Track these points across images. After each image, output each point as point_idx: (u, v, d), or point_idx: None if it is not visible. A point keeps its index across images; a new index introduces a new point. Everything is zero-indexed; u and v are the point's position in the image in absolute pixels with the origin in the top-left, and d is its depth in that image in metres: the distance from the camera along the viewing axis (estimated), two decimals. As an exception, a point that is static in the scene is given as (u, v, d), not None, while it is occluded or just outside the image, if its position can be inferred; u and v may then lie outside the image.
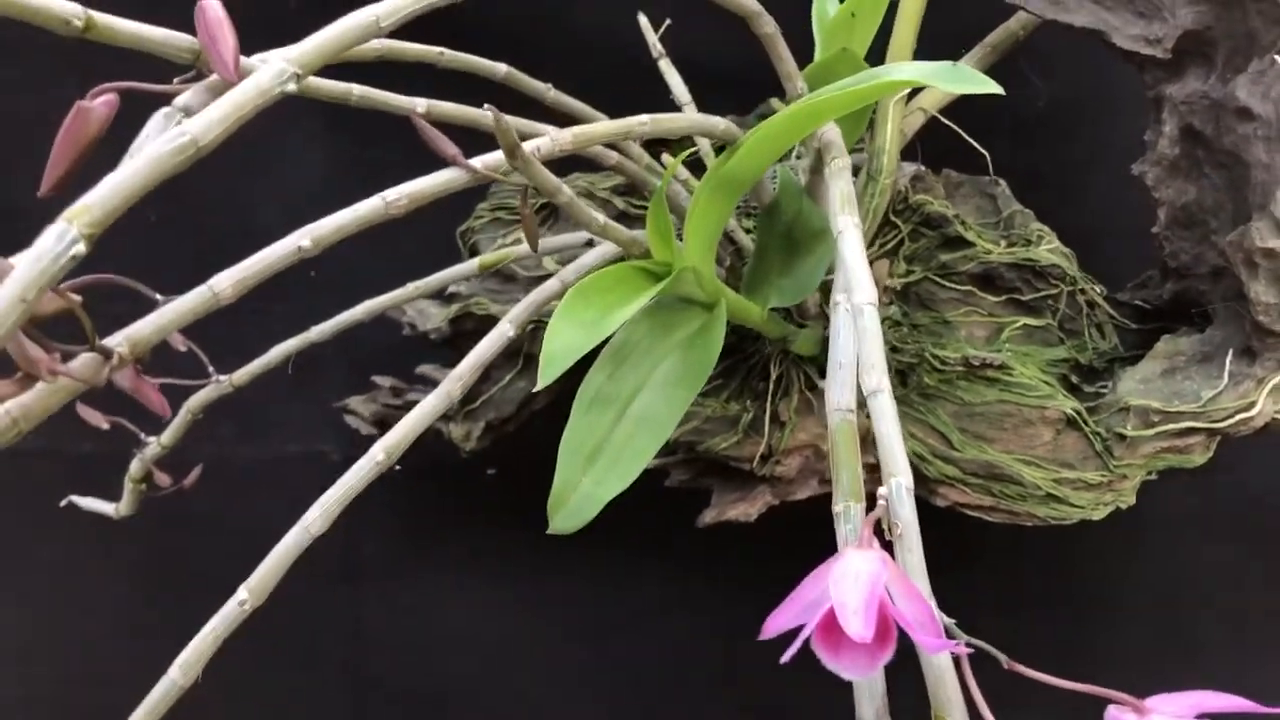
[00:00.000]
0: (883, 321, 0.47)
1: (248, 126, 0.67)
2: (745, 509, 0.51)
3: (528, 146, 0.34)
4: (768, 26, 0.42)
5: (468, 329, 0.59)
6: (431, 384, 0.60)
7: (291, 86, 0.28)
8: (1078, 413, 0.48)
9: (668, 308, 0.41)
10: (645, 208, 0.57)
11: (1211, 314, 0.50)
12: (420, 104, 0.37)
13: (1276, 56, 0.43)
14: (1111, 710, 0.29)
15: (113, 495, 0.60)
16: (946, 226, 0.51)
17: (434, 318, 0.60)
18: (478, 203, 0.61)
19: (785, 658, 0.26)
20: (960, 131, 0.51)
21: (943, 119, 0.50)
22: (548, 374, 0.33)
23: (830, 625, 0.25)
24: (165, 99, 0.34)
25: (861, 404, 0.32)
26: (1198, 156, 0.47)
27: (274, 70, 0.27)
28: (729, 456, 0.50)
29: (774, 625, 0.27)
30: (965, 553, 0.55)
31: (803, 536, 0.55)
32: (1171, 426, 0.47)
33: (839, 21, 0.44)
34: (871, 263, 0.48)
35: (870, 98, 0.38)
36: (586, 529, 0.38)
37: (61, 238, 0.25)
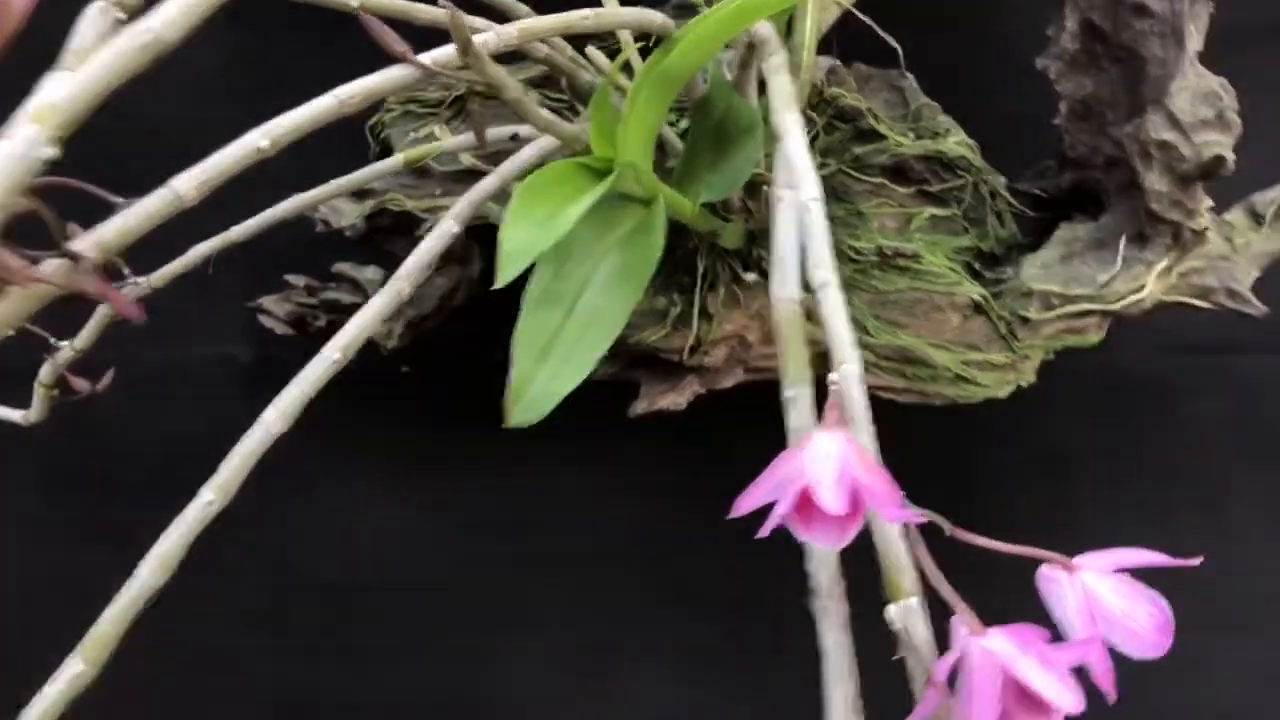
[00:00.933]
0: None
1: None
2: (675, 398, 0.52)
3: (475, 41, 0.34)
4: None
5: (384, 225, 0.58)
6: (348, 281, 0.60)
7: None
8: (984, 298, 0.51)
9: (606, 204, 0.41)
10: (562, 101, 0.58)
11: (1105, 202, 0.53)
12: (355, -1, 0.37)
13: (1174, -45, 0.46)
14: (1043, 570, 0.32)
15: (20, 404, 0.58)
16: (860, 120, 0.53)
17: (348, 214, 0.59)
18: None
19: (764, 532, 0.28)
20: (874, 25, 0.52)
21: (857, 13, 0.51)
22: (506, 273, 0.34)
23: (804, 501, 0.27)
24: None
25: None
26: (1096, 51, 0.50)
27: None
28: (658, 349, 0.52)
29: (745, 504, 0.29)
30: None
31: (724, 425, 0.58)
32: (1070, 309, 0.51)
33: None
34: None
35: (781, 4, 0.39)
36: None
37: (32, 141, 0.25)
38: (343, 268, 0.60)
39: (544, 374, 0.38)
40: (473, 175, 0.56)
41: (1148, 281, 0.50)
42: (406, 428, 0.70)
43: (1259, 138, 0.50)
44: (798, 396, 0.34)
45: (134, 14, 0.30)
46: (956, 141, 0.53)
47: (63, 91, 0.25)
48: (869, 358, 0.52)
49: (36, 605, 0.71)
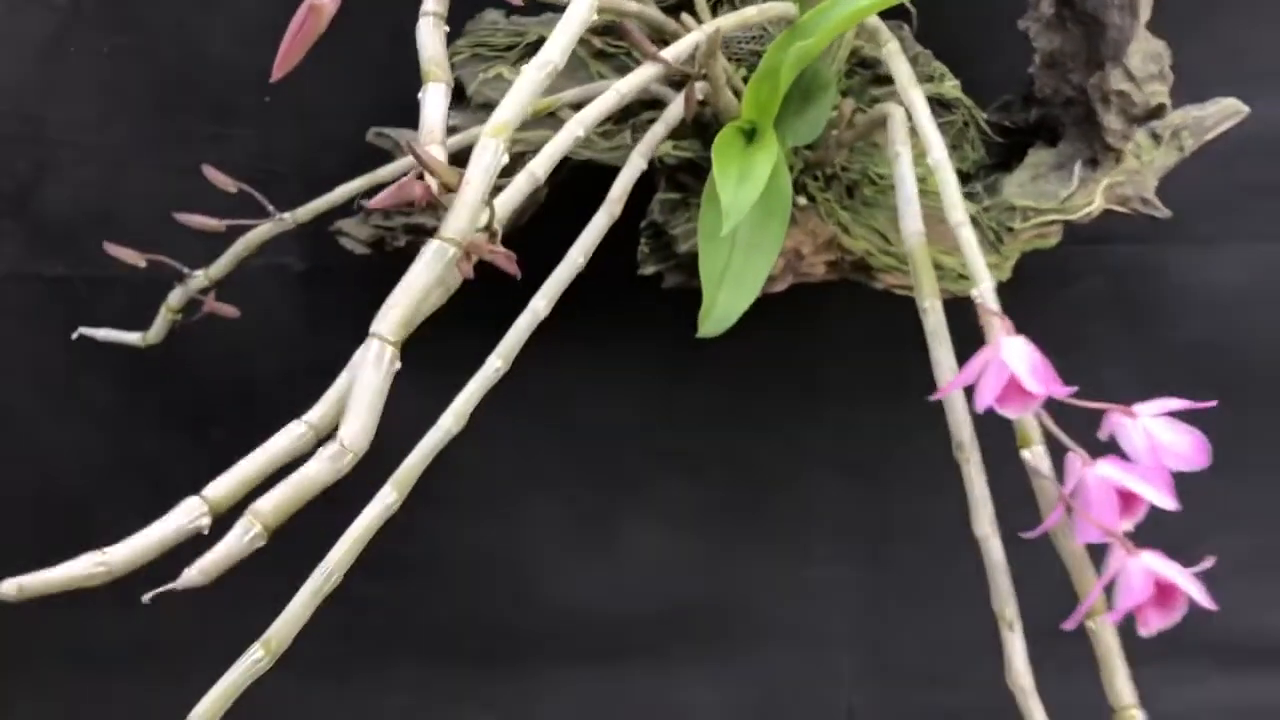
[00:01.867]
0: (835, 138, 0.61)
1: None
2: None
3: (687, 45, 0.44)
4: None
5: (463, 159, 0.66)
6: (431, 205, 0.67)
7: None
8: (978, 212, 0.65)
9: (742, 152, 0.52)
10: (620, 47, 0.67)
11: (1061, 133, 0.67)
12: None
13: (1134, -55, 0.59)
14: (1114, 416, 0.45)
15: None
16: (877, 67, 0.65)
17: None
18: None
19: (980, 407, 0.40)
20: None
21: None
22: (730, 222, 0.44)
23: (1008, 385, 0.40)
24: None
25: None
26: (1065, 15, 0.63)
27: None
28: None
29: (951, 387, 0.41)
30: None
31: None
32: (1041, 220, 0.65)
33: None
34: (837, 103, 0.61)
35: (883, 7, 0.49)
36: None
37: (495, 152, 0.34)
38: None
39: (723, 297, 0.49)
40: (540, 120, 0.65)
41: (1096, 196, 0.65)
42: (465, 333, 0.78)
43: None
44: (932, 306, 0.46)
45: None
46: (952, 85, 0.66)
47: (506, 114, 0.34)
48: (892, 262, 0.65)
49: (116, 491, 0.77)
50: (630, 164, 0.48)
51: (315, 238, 0.67)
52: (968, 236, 0.45)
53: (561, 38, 0.35)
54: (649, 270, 0.65)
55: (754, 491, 0.87)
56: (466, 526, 0.84)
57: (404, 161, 0.59)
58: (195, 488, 0.81)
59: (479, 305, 0.73)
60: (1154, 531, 0.43)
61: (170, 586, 0.27)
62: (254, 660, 0.30)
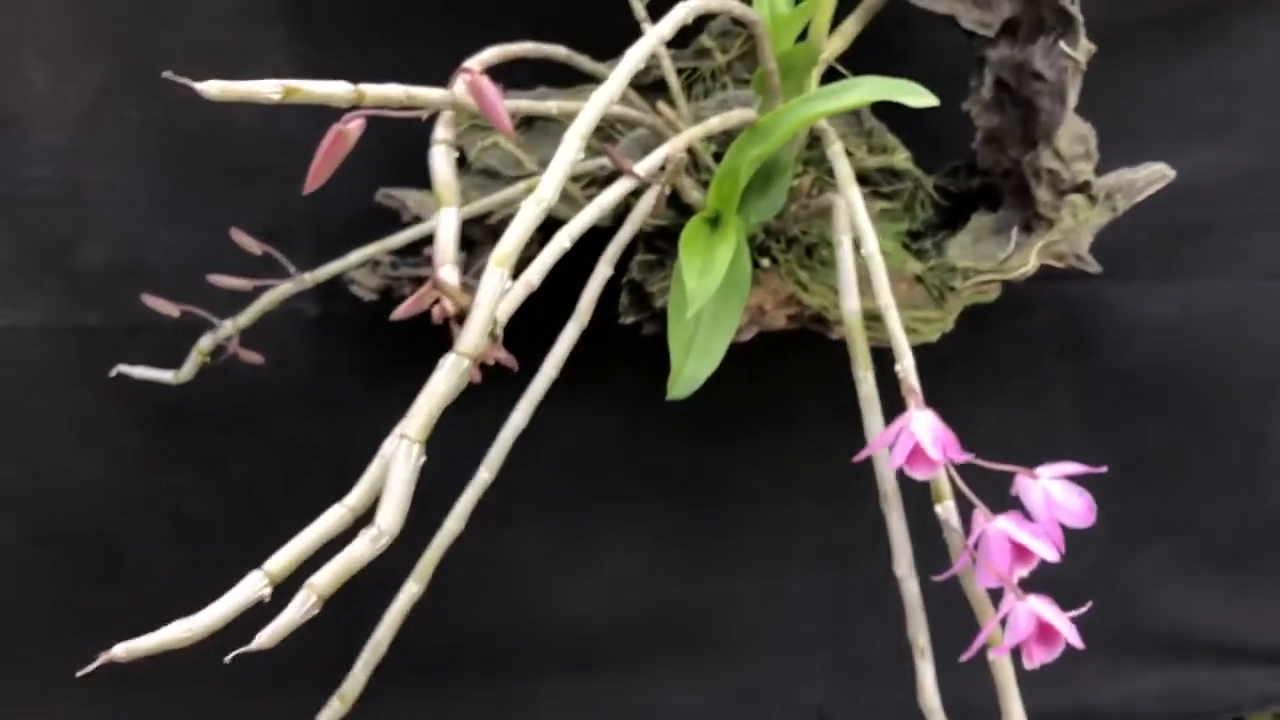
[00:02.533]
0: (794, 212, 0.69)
1: (213, 32, 0.86)
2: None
3: (657, 159, 0.52)
4: (759, 29, 0.60)
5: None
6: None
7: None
8: (923, 272, 0.73)
9: (706, 237, 0.60)
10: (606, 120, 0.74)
11: (1000, 199, 0.75)
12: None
13: (1061, 43, 0.67)
14: (1019, 478, 0.53)
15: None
16: (826, 145, 0.72)
17: (433, 207, 0.74)
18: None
19: (892, 468, 0.49)
20: (845, 72, 0.71)
21: (839, 67, 0.70)
22: (695, 307, 0.52)
23: (914, 452, 0.48)
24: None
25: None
26: (1003, 98, 0.71)
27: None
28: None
29: (872, 449, 0.50)
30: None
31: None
32: (981, 279, 0.73)
33: (794, 15, 0.63)
34: (797, 177, 0.69)
35: (848, 108, 0.57)
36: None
37: (501, 278, 0.41)
38: (430, 250, 0.75)
39: (690, 365, 0.57)
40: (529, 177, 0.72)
41: (1031, 258, 0.73)
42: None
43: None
44: (865, 377, 0.55)
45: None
46: (903, 157, 0.74)
47: (506, 246, 0.42)
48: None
49: (142, 525, 0.85)
50: (597, 274, 0.55)
51: (328, 286, 0.74)
52: (893, 320, 0.53)
53: (554, 177, 0.43)
54: (629, 320, 0.73)
55: (731, 508, 0.95)
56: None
57: (415, 230, 0.67)
58: (215, 521, 0.88)
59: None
60: (1099, 538, 0.50)
61: (246, 649, 0.35)
62: (333, 710, 0.38)
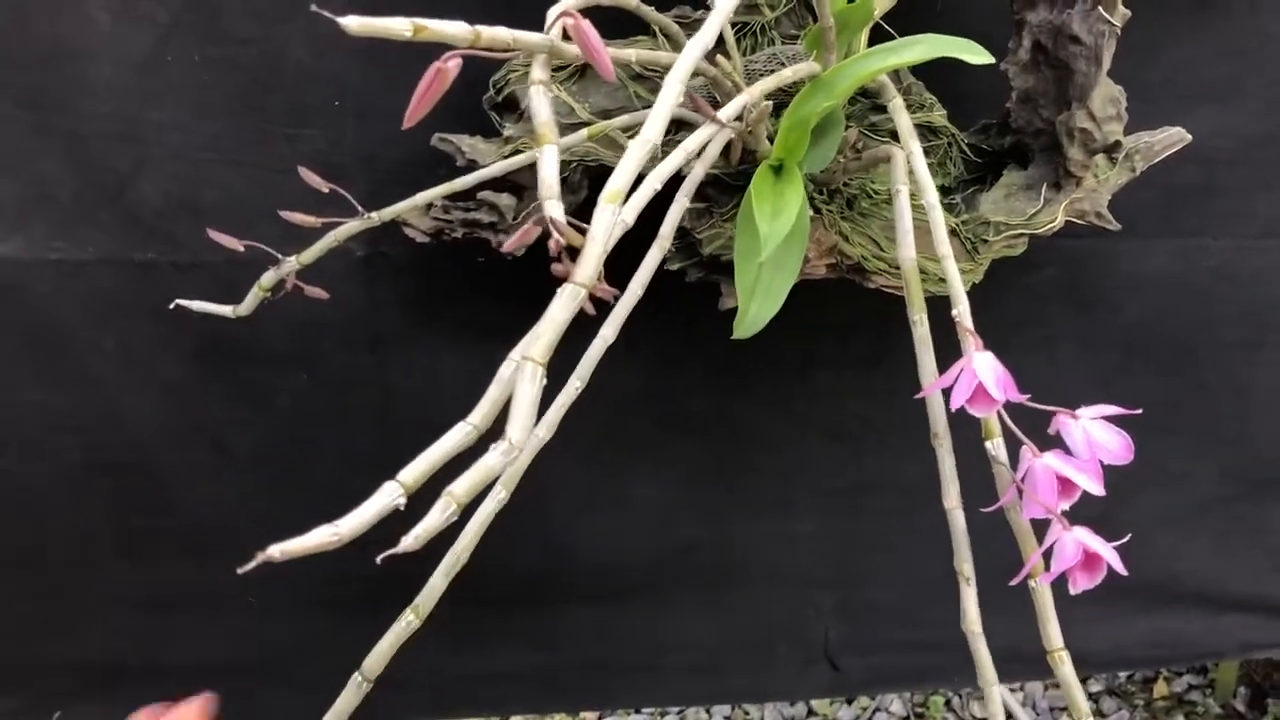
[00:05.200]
0: (842, 164, 0.72)
1: None
2: (752, 296, 0.75)
3: (736, 107, 0.54)
4: (823, -14, 0.62)
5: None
6: (488, 205, 0.77)
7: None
8: (957, 225, 0.76)
9: (770, 184, 0.63)
10: (655, 71, 0.76)
11: (1030, 157, 0.78)
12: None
13: (1099, 8, 0.70)
14: (1060, 417, 0.57)
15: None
16: (877, 97, 0.75)
17: (487, 153, 0.76)
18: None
19: (954, 406, 0.52)
20: (891, 31, 0.73)
21: (885, 25, 0.73)
22: (767, 250, 0.55)
23: (976, 391, 0.52)
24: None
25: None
26: (1039, 60, 0.74)
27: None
28: (744, 261, 0.74)
29: (931, 389, 0.53)
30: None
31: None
32: (1011, 233, 0.76)
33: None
34: (846, 126, 0.72)
35: (911, 63, 0.60)
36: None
37: (614, 213, 0.44)
38: (486, 194, 0.77)
39: (754, 307, 0.60)
40: (581, 127, 0.75)
41: (1059, 214, 0.76)
42: (503, 309, 0.88)
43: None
44: (920, 319, 0.58)
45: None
46: (940, 114, 0.77)
47: (616, 183, 0.44)
48: (884, 267, 0.76)
49: (190, 454, 0.87)
50: (676, 204, 0.58)
51: (377, 228, 0.76)
52: (951, 268, 0.56)
53: (659, 118, 0.46)
54: (675, 267, 0.76)
55: (748, 452, 0.99)
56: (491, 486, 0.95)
57: (477, 174, 0.69)
58: (259, 451, 0.91)
59: (509, 282, 0.82)
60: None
61: (394, 550, 0.38)
62: (407, 623, 0.41)
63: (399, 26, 0.40)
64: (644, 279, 0.54)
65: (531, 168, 0.77)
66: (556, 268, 0.46)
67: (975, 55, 0.58)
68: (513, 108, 0.77)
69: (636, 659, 1.05)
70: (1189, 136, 0.80)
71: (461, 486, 0.38)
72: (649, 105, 0.75)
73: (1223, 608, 1.09)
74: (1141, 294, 0.98)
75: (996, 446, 0.56)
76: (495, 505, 0.52)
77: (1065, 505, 0.55)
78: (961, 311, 0.56)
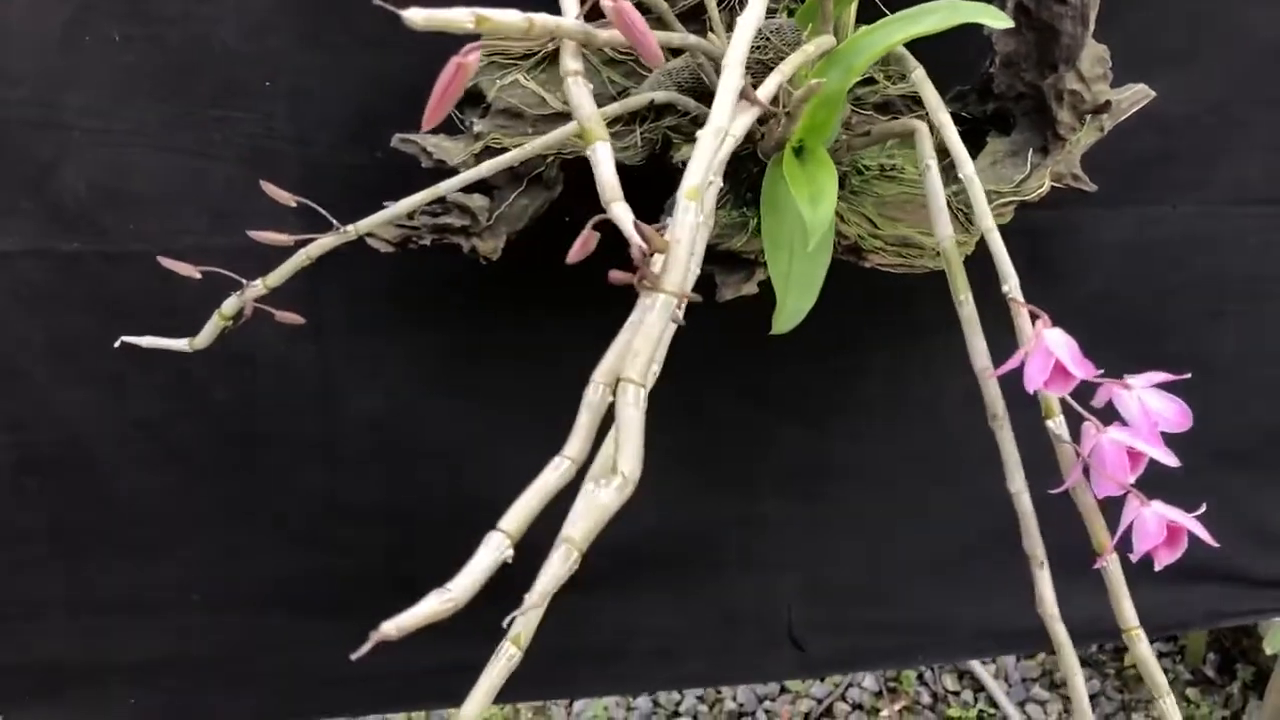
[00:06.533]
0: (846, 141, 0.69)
1: None
2: (749, 286, 0.71)
3: (772, 87, 0.51)
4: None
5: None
6: (458, 207, 0.72)
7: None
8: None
9: (795, 165, 0.59)
10: (628, 54, 0.72)
11: (1013, 123, 0.76)
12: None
13: (1086, -34, 0.68)
14: (1114, 388, 0.55)
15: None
16: (908, 70, 0.72)
17: (455, 153, 0.70)
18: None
19: (1030, 388, 0.49)
20: (879, 3, 0.70)
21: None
22: (815, 238, 0.52)
23: (1055, 368, 0.49)
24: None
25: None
26: (1022, 22, 0.72)
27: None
28: (740, 251, 0.70)
29: (1005, 369, 0.50)
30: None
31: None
32: (1000, 201, 0.75)
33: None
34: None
35: (929, 32, 0.57)
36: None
37: (696, 212, 0.40)
38: (456, 196, 0.71)
39: (790, 299, 0.57)
40: (560, 118, 0.70)
41: (1045, 179, 0.75)
42: (442, 293, 0.84)
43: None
44: (966, 299, 0.55)
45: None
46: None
47: (695, 179, 0.40)
48: (878, 244, 0.73)
49: (124, 450, 0.84)
50: (711, 186, 0.54)
51: (314, 216, 0.70)
52: (996, 240, 0.54)
53: (725, 105, 0.42)
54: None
55: (710, 434, 0.97)
56: (454, 476, 0.91)
57: (461, 176, 0.63)
58: (201, 447, 0.87)
59: (449, 266, 0.77)
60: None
61: (517, 613, 0.33)
62: (509, 656, 0.36)
63: (462, 18, 0.35)
64: (699, 257, 0.50)
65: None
66: (616, 275, 0.41)
67: (995, 19, 0.56)
68: (476, 102, 0.71)
69: (600, 645, 1.02)
70: (1152, 92, 0.80)
71: (578, 529, 0.34)
72: (624, 91, 0.70)
73: (1191, 578, 1.10)
74: (1103, 263, 0.97)
75: (1059, 425, 0.54)
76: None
77: (1133, 479, 0.53)
78: (1012, 287, 0.54)
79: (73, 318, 0.78)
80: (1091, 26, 0.70)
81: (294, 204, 0.61)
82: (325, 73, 0.77)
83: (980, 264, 0.79)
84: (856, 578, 1.08)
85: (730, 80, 0.42)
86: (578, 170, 0.72)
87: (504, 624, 0.34)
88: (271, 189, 0.61)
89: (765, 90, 0.50)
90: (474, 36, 0.42)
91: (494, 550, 0.34)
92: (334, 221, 0.62)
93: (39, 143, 0.73)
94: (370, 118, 0.78)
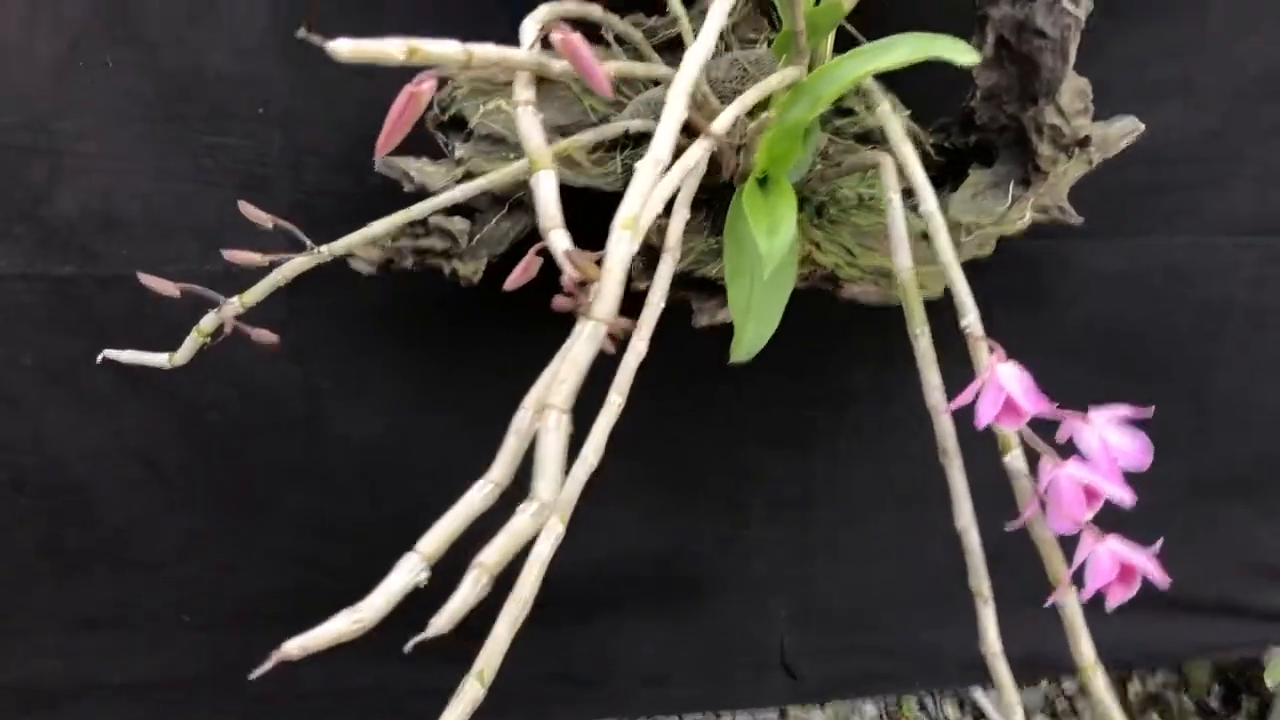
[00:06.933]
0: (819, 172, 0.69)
1: None
2: (726, 312, 0.72)
3: (728, 119, 0.51)
4: (794, -12, 0.59)
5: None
6: (440, 231, 0.73)
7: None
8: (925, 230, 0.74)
9: (754, 196, 0.59)
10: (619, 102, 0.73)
11: (995, 155, 0.76)
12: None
13: (1062, 1, 0.68)
14: (1073, 421, 0.55)
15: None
16: (840, 101, 0.73)
17: (437, 177, 0.71)
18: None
19: (980, 425, 0.49)
20: (856, 34, 0.71)
21: (849, 27, 0.70)
22: (769, 268, 0.52)
23: (1006, 404, 0.49)
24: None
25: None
26: (1003, 56, 0.72)
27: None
28: (717, 278, 0.71)
29: (957, 404, 0.50)
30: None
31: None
32: (981, 233, 0.75)
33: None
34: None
35: (896, 65, 0.57)
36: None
37: (629, 242, 0.40)
38: (438, 220, 0.72)
39: (749, 328, 0.57)
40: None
41: (1027, 211, 0.75)
42: (427, 316, 0.85)
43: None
44: (923, 333, 0.55)
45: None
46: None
47: (631, 209, 0.41)
48: (856, 274, 0.73)
49: (115, 472, 0.84)
50: (677, 214, 0.54)
51: (294, 236, 0.71)
52: (957, 276, 0.54)
53: (666, 136, 0.42)
54: (645, 285, 0.72)
55: (698, 461, 0.97)
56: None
57: (438, 199, 0.64)
58: (189, 468, 0.88)
59: (432, 289, 0.77)
60: None
61: (425, 635, 0.33)
62: (473, 694, 0.36)
63: (393, 49, 0.36)
64: (662, 289, 0.50)
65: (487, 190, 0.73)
66: (559, 301, 0.42)
67: (962, 54, 0.56)
68: (460, 127, 0.72)
69: (589, 672, 1.03)
70: (1141, 125, 0.79)
71: (492, 557, 0.34)
72: (604, 119, 0.71)
73: (1185, 610, 1.09)
74: (1095, 294, 0.97)
75: (1016, 459, 0.54)
76: (554, 540, 0.47)
77: (1089, 516, 0.53)
78: (971, 322, 0.54)
79: (64, 340, 0.79)
80: (1071, 60, 0.70)
81: (270, 225, 0.62)
82: (317, 99, 0.79)
83: (946, 297, 0.80)
84: (846, 603, 1.08)
85: (673, 111, 0.43)
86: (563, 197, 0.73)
87: (405, 649, 0.33)
88: (249, 209, 0.62)
89: (720, 122, 0.51)
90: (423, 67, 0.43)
91: (408, 572, 0.34)
92: (308, 242, 0.63)
93: (33, 167, 0.75)
94: (362, 144, 0.78)
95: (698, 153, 0.49)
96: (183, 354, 0.67)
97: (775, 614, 1.07)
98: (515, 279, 0.43)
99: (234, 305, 0.65)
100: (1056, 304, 0.98)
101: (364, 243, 0.63)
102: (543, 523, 0.35)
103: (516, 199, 0.73)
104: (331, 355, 0.85)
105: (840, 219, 0.73)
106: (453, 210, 0.72)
